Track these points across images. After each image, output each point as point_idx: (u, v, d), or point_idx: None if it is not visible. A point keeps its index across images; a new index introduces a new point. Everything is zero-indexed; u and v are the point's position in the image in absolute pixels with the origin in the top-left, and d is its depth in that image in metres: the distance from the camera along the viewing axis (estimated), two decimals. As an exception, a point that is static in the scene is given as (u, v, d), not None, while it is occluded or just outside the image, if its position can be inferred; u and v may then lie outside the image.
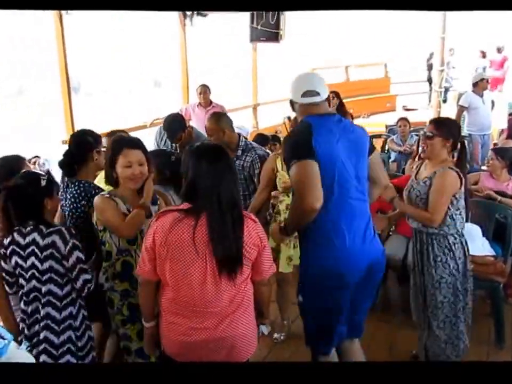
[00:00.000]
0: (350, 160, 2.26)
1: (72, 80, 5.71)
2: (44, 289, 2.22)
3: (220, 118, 3.43)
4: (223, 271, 1.91)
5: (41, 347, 2.21)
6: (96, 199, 2.36)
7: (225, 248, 1.90)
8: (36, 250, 2.20)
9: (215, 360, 2.02)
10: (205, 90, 6.06)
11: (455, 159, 2.85)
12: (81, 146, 2.79)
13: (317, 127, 2.22)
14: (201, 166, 1.93)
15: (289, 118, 5.58)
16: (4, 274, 2.28)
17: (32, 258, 2.20)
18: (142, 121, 6.42)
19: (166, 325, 2.03)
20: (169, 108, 3.82)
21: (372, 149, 2.41)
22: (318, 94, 2.30)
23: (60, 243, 2.19)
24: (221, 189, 1.91)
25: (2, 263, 2.27)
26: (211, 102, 6.10)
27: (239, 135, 3.42)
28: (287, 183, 3.09)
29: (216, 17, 7.15)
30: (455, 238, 2.77)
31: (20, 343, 1.97)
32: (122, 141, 2.49)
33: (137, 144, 2.41)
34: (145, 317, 2.13)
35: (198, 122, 5.95)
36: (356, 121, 7.77)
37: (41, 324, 2.22)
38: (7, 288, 2.30)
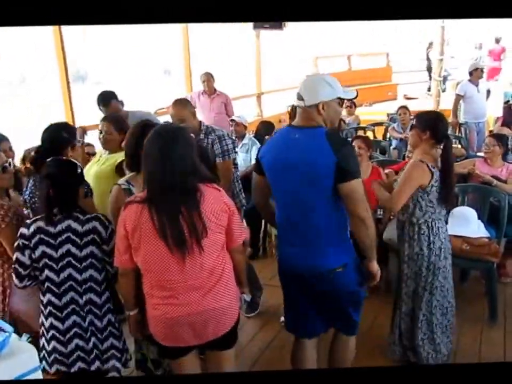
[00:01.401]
0: (290, 174, 2.21)
1: (79, 69, 5.80)
2: (83, 276, 2.22)
3: (186, 103, 3.34)
4: (177, 250, 1.96)
5: (88, 334, 2.25)
6: (114, 188, 2.39)
7: (174, 231, 1.95)
8: (73, 237, 2.19)
9: (201, 335, 2.10)
10: (208, 78, 6.09)
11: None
12: (55, 142, 2.75)
13: (272, 138, 2.40)
14: (146, 153, 2.00)
15: (292, 106, 5.70)
16: (16, 266, 2.22)
17: (68, 246, 2.19)
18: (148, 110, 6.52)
19: (151, 309, 2.08)
20: (178, 96, 3.87)
21: (346, 176, 2.14)
22: (301, 98, 2.25)
23: (100, 228, 2.22)
24: (162, 171, 1.95)
25: (19, 255, 2.20)
26: (215, 90, 6.16)
27: (200, 121, 3.36)
28: None
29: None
30: (420, 228, 2.84)
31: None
32: (154, 124, 2.44)
33: None
34: (128, 306, 2.21)
35: (203, 109, 6.04)
36: (359, 110, 7.94)
37: (85, 310, 2.24)
38: (16, 281, 2.24)
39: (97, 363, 2.27)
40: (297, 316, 2.50)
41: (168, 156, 1.95)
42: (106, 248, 2.24)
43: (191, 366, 2.24)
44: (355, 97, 2.45)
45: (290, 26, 7.02)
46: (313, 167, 2.15)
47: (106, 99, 4.05)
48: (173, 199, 1.96)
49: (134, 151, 2.32)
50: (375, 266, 2.34)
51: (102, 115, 3.72)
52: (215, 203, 2.03)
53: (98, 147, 3.66)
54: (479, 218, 3.68)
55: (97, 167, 3.12)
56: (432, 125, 2.82)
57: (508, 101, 6.58)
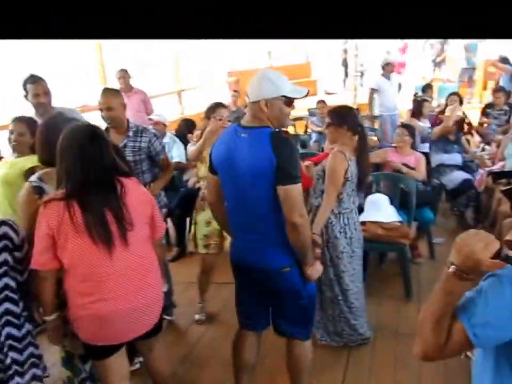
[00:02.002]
0: (237, 175, 2.21)
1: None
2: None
3: (117, 93, 3.27)
4: (103, 245, 2.00)
5: (6, 349, 2.12)
6: (25, 185, 2.30)
7: (99, 226, 1.99)
8: None
9: (135, 329, 2.12)
10: (124, 74, 5.90)
11: None
12: None
13: (222, 136, 2.36)
14: (62, 148, 2.01)
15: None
16: None
17: None
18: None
19: (79, 309, 2.05)
20: (89, 95, 3.77)
21: (284, 179, 2.10)
22: (247, 95, 2.23)
23: (12, 233, 2.12)
24: (82, 167, 1.98)
25: None
26: (132, 87, 5.96)
27: (127, 119, 3.31)
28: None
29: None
30: (335, 217, 3.04)
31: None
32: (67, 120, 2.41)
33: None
34: (47, 310, 2.14)
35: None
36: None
37: (2, 321, 2.11)
38: None
39: (16, 379, 2.15)
40: (242, 307, 2.54)
41: (88, 152, 1.98)
42: (18, 255, 2.14)
43: (119, 367, 2.23)
44: (304, 96, 2.28)
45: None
46: (255, 168, 2.14)
47: (37, 77, 3.57)
48: (96, 194, 1.99)
49: (49, 145, 2.22)
50: (308, 271, 2.30)
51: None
52: (139, 194, 2.11)
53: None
54: (391, 203, 3.95)
55: (2, 171, 2.91)
56: (347, 118, 3.02)
57: (417, 93, 7.04)
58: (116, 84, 5.90)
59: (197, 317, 3.66)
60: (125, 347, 2.24)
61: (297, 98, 2.24)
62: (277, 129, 2.21)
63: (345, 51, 12.73)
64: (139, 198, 2.11)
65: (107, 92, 3.18)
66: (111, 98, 3.11)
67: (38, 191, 2.25)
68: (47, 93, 3.49)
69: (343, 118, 3.02)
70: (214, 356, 3.23)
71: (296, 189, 2.12)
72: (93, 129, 2.10)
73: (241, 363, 2.60)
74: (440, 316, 1.27)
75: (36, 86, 3.45)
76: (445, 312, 1.26)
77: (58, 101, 3.69)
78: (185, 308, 3.75)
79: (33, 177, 2.33)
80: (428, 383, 2.87)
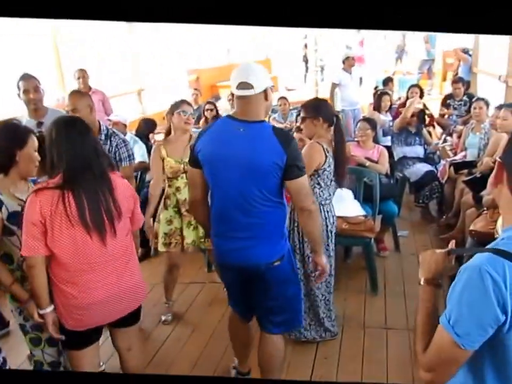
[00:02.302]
0: (233, 170, 2.19)
1: None
2: None
3: (83, 95, 3.34)
4: (96, 233, 2.08)
5: None
6: None
7: (94, 215, 2.07)
8: None
9: (117, 311, 2.22)
10: (83, 74, 5.84)
11: None
12: None
13: (210, 130, 2.30)
14: (55, 139, 2.08)
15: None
16: None
17: None
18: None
19: (67, 297, 2.10)
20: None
21: (296, 173, 2.18)
22: (251, 87, 2.17)
23: None
24: (72, 156, 2.05)
25: None
26: (90, 88, 5.90)
27: (99, 121, 3.32)
28: (174, 168, 3.33)
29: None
30: None
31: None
32: (26, 127, 2.44)
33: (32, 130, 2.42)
34: (44, 300, 2.12)
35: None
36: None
37: None
38: None
39: None
40: (236, 305, 2.62)
41: (77, 141, 2.07)
42: None
43: (92, 357, 2.31)
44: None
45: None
46: (260, 164, 2.13)
47: (28, 74, 3.58)
48: (89, 183, 2.07)
49: (11, 153, 2.22)
50: (323, 260, 2.43)
51: None
52: (125, 189, 2.23)
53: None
54: (355, 197, 3.96)
55: None
56: (321, 110, 3.02)
57: (377, 86, 7.12)
58: (74, 85, 5.83)
59: (163, 317, 3.61)
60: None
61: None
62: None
63: (306, 46, 12.77)
64: (124, 192, 2.21)
65: (73, 93, 3.24)
66: (76, 100, 3.13)
67: None
68: (36, 90, 3.49)
69: (317, 109, 3.02)
70: (180, 356, 3.18)
71: (306, 179, 2.26)
72: (77, 119, 2.22)
73: (242, 342, 2.71)
74: (425, 328, 1.33)
75: (25, 82, 3.49)
76: (429, 324, 1.33)
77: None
78: (150, 308, 3.67)
79: None
80: (395, 376, 2.88)
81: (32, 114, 3.50)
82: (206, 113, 6.29)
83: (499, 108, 4.65)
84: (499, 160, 1.30)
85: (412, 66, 11.86)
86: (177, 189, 3.36)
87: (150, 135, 5.44)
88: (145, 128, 5.46)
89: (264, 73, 2.23)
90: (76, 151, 2.06)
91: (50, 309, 2.13)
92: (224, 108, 6.68)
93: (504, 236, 1.26)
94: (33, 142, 2.27)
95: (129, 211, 2.24)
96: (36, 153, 2.27)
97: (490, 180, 1.36)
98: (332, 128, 3.03)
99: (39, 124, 3.42)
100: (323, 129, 3.02)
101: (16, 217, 2.19)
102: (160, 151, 3.36)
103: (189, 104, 3.48)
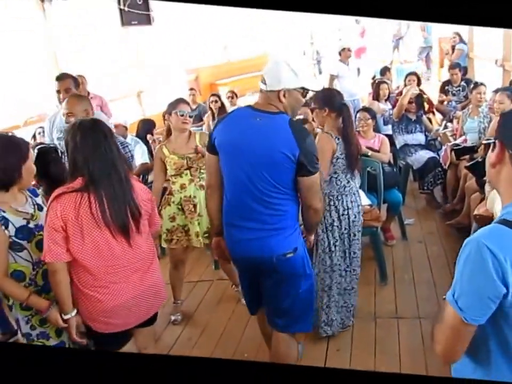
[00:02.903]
0: (245, 158, 2.18)
1: None
2: None
3: (82, 99, 3.36)
4: (121, 235, 2.10)
5: None
6: None
7: (117, 217, 2.08)
8: None
9: (143, 314, 2.28)
10: (81, 80, 5.74)
11: None
12: None
13: (228, 117, 2.31)
14: (80, 143, 2.08)
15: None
16: None
17: None
18: (15, 121, 6.07)
19: (93, 302, 2.12)
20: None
21: (308, 170, 2.15)
22: (264, 82, 2.20)
23: None
24: (98, 159, 2.06)
25: None
26: (89, 93, 5.85)
27: None
28: (177, 164, 3.32)
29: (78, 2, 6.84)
30: (330, 200, 3.02)
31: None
32: (26, 143, 2.40)
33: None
34: (68, 305, 2.11)
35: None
36: (243, 99, 8.07)
37: None
38: None
39: None
40: (249, 298, 2.60)
41: (102, 145, 2.07)
42: None
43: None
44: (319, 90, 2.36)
45: (159, 20, 6.92)
46: (273, 155, 2.12)
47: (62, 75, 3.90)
48: (114, 185, 2.07)
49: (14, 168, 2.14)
50: (312, 237, 2.64)
51: None
52: (143, 193, 2.24)
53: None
54: (359, 187, 3.93)
55: None
56: (327, 100, 3.01)
57: (375, 76, 7.08)
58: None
59: (172, 317, 3.61)
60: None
61: (314, 91, 2.25)
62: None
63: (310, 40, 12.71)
64: (144, 195, 2.24)
65: (71, 98, 3.28)
66: (73, 104, 3.19)
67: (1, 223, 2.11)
68: (68, 91, 3.67)
69: (324, 100, 3.02)
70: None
71: (317, 177, 2.21)
72: (100, 123, 2.20)
73: (266, 335, 2.68)
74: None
75: (59, 83, 3.72)
76: None
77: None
78: (160, 308, 3.64)
79: None
80: (409, 365, 2.87)
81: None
82: (211, 105, 6.62)
83: (495, 91, 4.64)
84: (498, 141, 1.30)
85: (409, 55, 11.82)
86: (182, 186, 3.37)
87: (148, 136, 5.45)
88: (144, 129, 5.49)
89: (283, 75, 2.14)
90: (102, 154, 2.07)
91: (74, 313, 2.14)
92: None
93: (505, 212, 1.26)
94: (32, 153, 2.28)
95: (147, 214, 2.25)
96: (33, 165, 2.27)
97: (490, 161, 1.34)
98: (341, 118, 3.02)
99: None
100: (331, 119, 3.02)
101: (23, 232, 2.16)
102: (162, 152, 3.37)
103: (186, 102, 3.48)
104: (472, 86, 5.46)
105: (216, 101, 6.60)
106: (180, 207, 3.39)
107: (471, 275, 1.21)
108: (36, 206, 2.26)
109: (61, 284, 2.08)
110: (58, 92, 3.67)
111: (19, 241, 2.15)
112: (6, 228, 2.10)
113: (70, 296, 2.12)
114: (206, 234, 3.40)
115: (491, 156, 1.32)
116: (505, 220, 1.24)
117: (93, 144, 2.07)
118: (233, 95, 7.03)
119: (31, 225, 2.19)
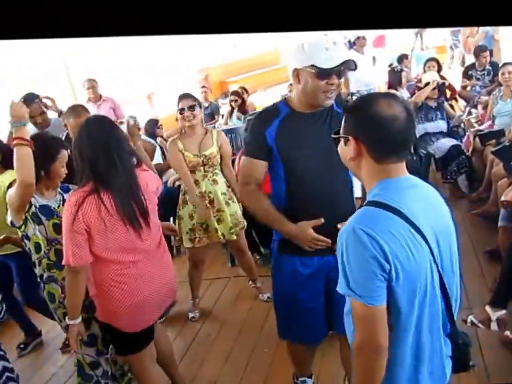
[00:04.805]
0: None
1: None
2: None
3: (81, 111, 3.29)
4: (136, 225, 2.18)
5: None
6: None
7: (129, 211, 2.17)
8: None
9: (162, 306, 2.39)
10: (92, 84, 6.01)
11: None
12: None
13: (279, 123, 2.12)
14: (79, 146, 2.17)
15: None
16: None
17: None
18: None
19: (117, 298, 2.20)
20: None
21: None
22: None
23: None
24: (107, 156, 2.13)
25: None
26: (101, 96, 6.06)
27: None
28: (193, 162, 3.38)
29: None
30: None
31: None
32: (60, 142, 2.64)
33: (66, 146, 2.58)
34: (76, 311, 2.20)
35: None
36: (254, 96, 8.13)
37: None
38: None
39: None
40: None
41: (110, 144, 2.13)
42: None
43: (152, 357, 2.43)
44: (336, 67, 1.95)
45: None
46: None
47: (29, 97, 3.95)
48: (120, 181, 2.14)
49: (42, 167, 2.41)
50: None
51: None
52: (152, 184, 2.32)
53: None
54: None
55: None
56: None
57: (391, 64, 7.03)
58: (84, 95, 6.05)
59: (190, 314, 3.67)
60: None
61: (329, 69, 1.93)
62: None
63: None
64: (153, 186, 2.32)
65: (72, 112, 3.23)
66: (76, 120, 3.16)
67: None
68: (42, 113, 4.03)
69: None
70: (211, 352, 3.25)
71: None
72: (109, 120, 2.30)
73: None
74: None
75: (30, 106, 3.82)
76: None
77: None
78: (177, 306, 3.74)
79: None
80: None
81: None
82: (232, 104, 6.74)
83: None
84: (351, 137, 1.39)
85: (434, 41, 11.65)
86: (196, 182, 3.42)
87: (157, 131, 5.67)
88: (151, 128, 5.71)
89: (293, 52, 2.02)
90: (100, 153, 2.13)
91: (78, 320, 2.22)
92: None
93: (370, 195, 1.40)
94: (63, 158, 2.45)
95: (154, 205, 2.32)
96: (63, 169, 2.46)
97: (349, 155, 1.43)
98: None
99: None
100: None
101: (45, 209, 2.43)
102: (177, 144, 3.42)
103: (187, 97, 3.44)
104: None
105: (236, 100, 6.72)
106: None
107: (356, 260, 1.30)
108: (62, 202, 2.51)
109: (80, 287, 2.17)
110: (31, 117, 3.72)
111: (41, 215, 2.41)
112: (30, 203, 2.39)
113: (82, 299, 2.20)
114: (232, 230, 3.43)
115: (349, 151, 1.42)
116: (373, 201, 1.37)
117: (94, 145, 2.14)
118: (243, 91, 7.05)
119: (53, 208, 2.49)
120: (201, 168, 3.40)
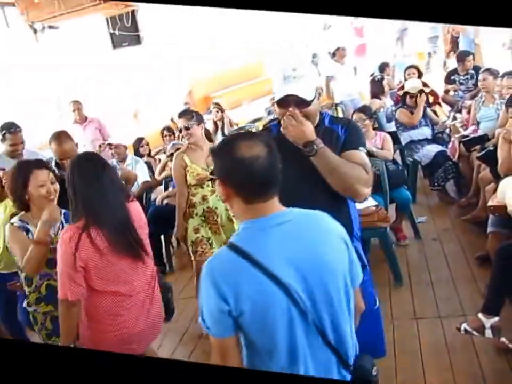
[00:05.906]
0: None
1: None
2: None
3: (66, 137, 3.45)
4: (133, 255, 2.24)
5: None
6: (7, 228, 2.48)
7: (125, 244, 2.21)
8: None
9: (149, 340, 2.40)
10: (78, 106, 6.08)
11: None
12: None
13: None
14: (71, 183, 2.21)
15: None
16: None
17: None
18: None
19: (106, 332, 2.23)
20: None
21: None
22: None
23: None
24: (96, 196, 2.17)
25: None
26: (86, 118, 6.13)
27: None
28: (201, 175, 3.42)
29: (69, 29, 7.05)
30: None
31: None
32: (30, 163, 2.58)
33: (44, 163, 2.58)
34: (70, 339, 2.23)
35: (77, 140, 5.93)
36: (238, 110, 8.18)
37: None
38: None
39: None
40: None
41: (102, 180, 2.18)
42: None
43: None
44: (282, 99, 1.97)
45: (149, 38, 7.07)
46: None
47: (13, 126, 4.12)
48: (114, 216, 2.19)
49: (20, 192, 2.44)
50: None
51: None
52: (138, 219, 2.34)
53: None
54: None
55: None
56: None
57: (373, 73, 7.12)
58: (70, 116, 6.15)
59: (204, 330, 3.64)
60: None
61: (278, 101, 1.98)
62: None
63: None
64: (143, 218, 2.39)
65: (57, 139, 3.36)
66: (63, 145, 3.33)
67: (24, 229, 2.44)
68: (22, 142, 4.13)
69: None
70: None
71: None
72: (99, 158, 2.36)
73: None
74: None
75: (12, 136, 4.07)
76: None
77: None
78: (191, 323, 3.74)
79: (14, 219, 2.50)
80: (432, 365, 2.88)
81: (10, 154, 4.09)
82: (216, 122, 6.66)
83: (502, 76, 4.63)
84: (219, 180, 1.46)
85: (415, 47, 11.76)
86: (204, 197, 3.46)
87: (140, 149, 5.76)
88: (138, 147, 5.85)
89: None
90: (99, 191, 2.18)
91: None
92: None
93: (235, 233, 1.48)
94: (37, 176, 2.42)
95: (145, 238, 2.36)
96: (44, 187, 2.41)
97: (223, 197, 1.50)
98: None
99: None
100: None
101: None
102: (183, 159, 3.46)
103: (185, 115, 3.50)
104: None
105: (217, 111, 6.68)
106: (203, 218, 3.48)
107: (204, 296, 1.40)
108: (61, 226, 2.53)
109: (73, 317, 2.21)
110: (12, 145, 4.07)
111: None
112: (27, 233, 2.42)
113: (75, 329, 2.24)
114: None
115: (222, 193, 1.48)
116: (230, 242, 1.44)
117: (87, 182, 2.19)
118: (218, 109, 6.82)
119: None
120: (209, 183, 3.43)
